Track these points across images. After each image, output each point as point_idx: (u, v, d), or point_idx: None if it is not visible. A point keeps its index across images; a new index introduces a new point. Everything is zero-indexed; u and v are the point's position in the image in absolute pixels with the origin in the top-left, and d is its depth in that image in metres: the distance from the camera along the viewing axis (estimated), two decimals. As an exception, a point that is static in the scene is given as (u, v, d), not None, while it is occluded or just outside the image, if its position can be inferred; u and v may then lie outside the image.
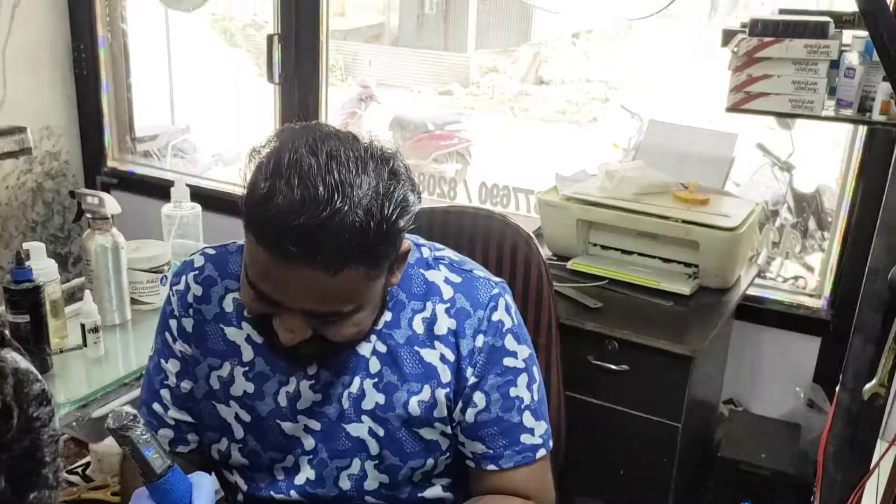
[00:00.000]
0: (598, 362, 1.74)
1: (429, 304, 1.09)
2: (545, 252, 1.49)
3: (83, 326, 1.45)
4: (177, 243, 1.75)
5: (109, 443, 1.53)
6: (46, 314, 1.39)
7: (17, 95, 2.90)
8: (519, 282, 1.44)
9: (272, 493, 1.13)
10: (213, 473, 1.21)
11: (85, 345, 1.46)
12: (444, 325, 1.08)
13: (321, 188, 0.85)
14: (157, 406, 1.17)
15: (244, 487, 1.16)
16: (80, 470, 1.72)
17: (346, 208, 0.86)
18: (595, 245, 2.00)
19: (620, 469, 1.80)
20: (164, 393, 1.17)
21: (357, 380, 1.09)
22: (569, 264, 1.96)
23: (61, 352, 1.47)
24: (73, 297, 1.70)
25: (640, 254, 1.96)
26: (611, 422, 1.77)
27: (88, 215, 1.57)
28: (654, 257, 1.94)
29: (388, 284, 1.02)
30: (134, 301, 1.65)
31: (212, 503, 0.91)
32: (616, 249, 1.98)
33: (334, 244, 0.86)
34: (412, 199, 0.94)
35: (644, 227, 1.89)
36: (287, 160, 0.87)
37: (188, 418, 1.17)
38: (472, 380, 1.08)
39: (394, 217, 0.90)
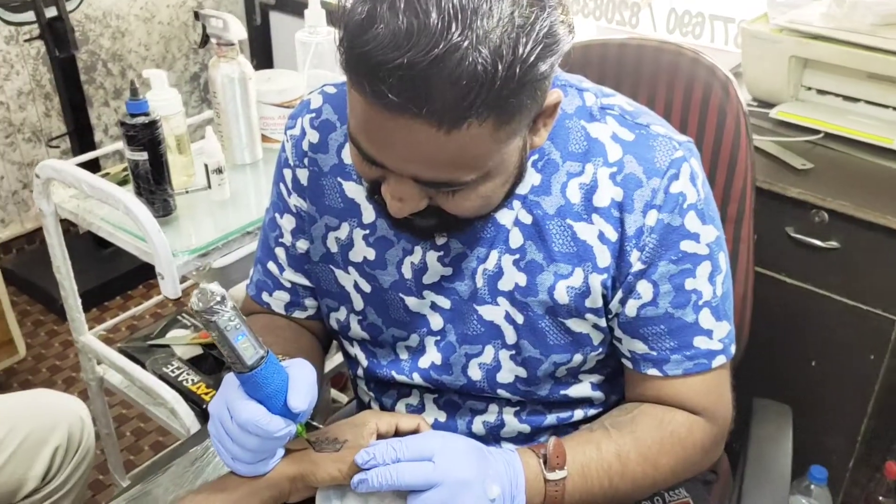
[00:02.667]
0: (800, 236, 1.47)
1: (589, 168, 0.88)
2: (744, 96, 1.20)
3: (206, 167, 1.36)
4: (312, 74, 1.60)
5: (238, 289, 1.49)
6: (167, 151, 1.31)
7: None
8: (708, 137, 1.18)
9: (394, 372, 1.02)
10: (326, 354, 1.11)
11: (209, 186, 1.38)
12: (607, 194, 0.87)
13: (434, 16, 0.64)
14: (272, 266, 1.07)
15: (364, 363, 1.05)
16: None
17: (465, 44, 0.64)
18: (809, 89, 1.65)
19: (812, 361, 1.56)
20: (280, 252, 1.06)
21: (494, 254, 0.92)
22: (773, 112, 1.63)
23: (187, 192, 1.40)
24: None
25: (868, 102, 1.59)
26: (807, 307, 1.51)
27: (213, 40, 1.45)
28: (886, 107, 1.57)
29: (530, 147, 0.82)
30: (264, 139, 1.54)
31: (310, 399, 0.80)
32: (837, 95, 1.63)
33: (449, 93, 0.66)
34: (561, 33, 0.70)
35: (880, 69, 1.52)
36: None
37: (305, 281, 1.06)
38: (637, 266, 0.88)
39: (532, 58, 0.67)
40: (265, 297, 1.09)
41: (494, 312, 0.94)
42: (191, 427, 1.36)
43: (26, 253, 2.89)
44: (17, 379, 2.48)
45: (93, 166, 1.84)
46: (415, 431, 0.90)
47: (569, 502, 0.87)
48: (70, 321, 1.52)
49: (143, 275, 2.77)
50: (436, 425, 1.02)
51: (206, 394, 1.41)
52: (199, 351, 1.54)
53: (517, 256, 0.91)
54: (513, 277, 0.92)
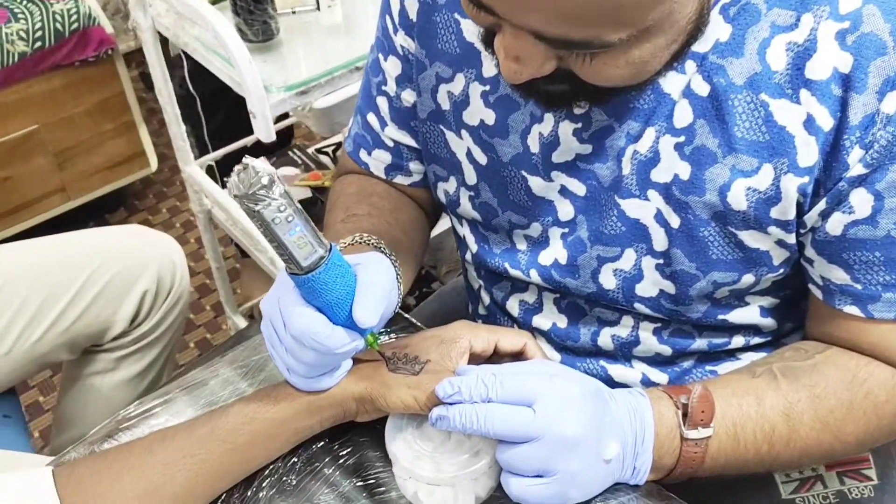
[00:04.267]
0: None
1: (806, 20, 0.62)
2: None
3: (313, -17, 1.16)
4: None
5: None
6: (269, -39, 1.11)
7: None
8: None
9: (507, 265, 0.83)
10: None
11: (318, 7, 1.18)
12: (829, 62, 0.61)
13: None
14: (372, 118, 0.88)
15: (473, 247, 0.87)
16: (330, 150, 1.56)
17: None
18: None
19: None
20: (382, 102, 0.86)
21: (650, 133, 0.69)
22: None
23: (293, 13, 1.21)
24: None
25: None
26: None
27: None
28: None
29: None
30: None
31: (383, 311, 0.63)
32: None
33: None
34: None
35: None
36: None
37: (411, 141, 0.87)
38: (856, 169, 0.63)
39: None
40: (363, 155, 0.91)
41: (642, 209, 0.72)
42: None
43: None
44: (152, 190, 2.50)
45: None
46: (519, 355, 0.72)
47: (710, 467, 0.69)
48: (175, 149, 1.42)
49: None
50: (554, 331, 0.84)
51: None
52: (307, 194, 1.41)
53: (681, 139, 0.68)
54: (672, 167, 0.69)
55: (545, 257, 0.80)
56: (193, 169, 1.42)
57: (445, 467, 0.64)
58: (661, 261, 0.73)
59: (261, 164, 0.56)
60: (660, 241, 0.73)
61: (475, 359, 0.71)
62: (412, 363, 0.68)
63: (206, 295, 2.14)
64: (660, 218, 0.71)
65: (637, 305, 0.77)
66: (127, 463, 0.64)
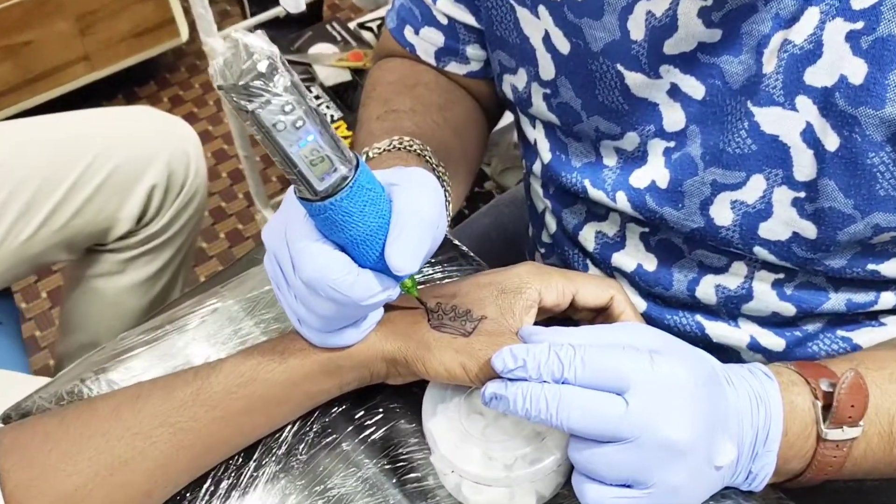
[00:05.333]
0: None
1: None
2: None
3: None
4: None
5: None
6: None
7: None
8: None
9: (587, 182, 0.65)
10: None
11: None
12: None
13: None
14: (421, -13, 0.69)
15: (545, 157, 0.69)
16: (375, 25, 1.36)
17: None
18: None
19: None
20: (434, -34, 0.67)
21: (812, 14, 0.50)
22: None
23: None
24: None
25: None
26: None
27: None
28: None
29: None
30: None
31: (426, 250, 0.46)
32: None
33: None
34: None
35: None
36: None
37: (470, 20, 0.68)
38: None
39: None
40: (409, 34, 0.72)
41: (785, 122, 0.53)
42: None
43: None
44: (184, 63, 2.33)
45: None
46: (604, 313, 0.56)
47: (849, 472, 0.52)
48: (196, 17, 1.23)
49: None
50: (640, 273, 0.67)
51: (346, 137, 1.11)
52: (346, 77, 1.22)
53: (858, 26, 0.48)
54: (839, 64, 0.50)
55: (639, 178, 0.62)
56: (216, 41, 1.24)
57: (498, 462, 0.49)
58: (803, 194, 0.55)
59: (258, 42, 0.39)
60: (805, 167, 0.54)
61: (541, 321, 0.55)
62: (462, 319, 0.52)
63: (240, 182, 2.00)
64: (809, 136, 0.53)
65: (757, 250, 0.60)
66: (87, 429, 0.50)
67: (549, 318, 0.57)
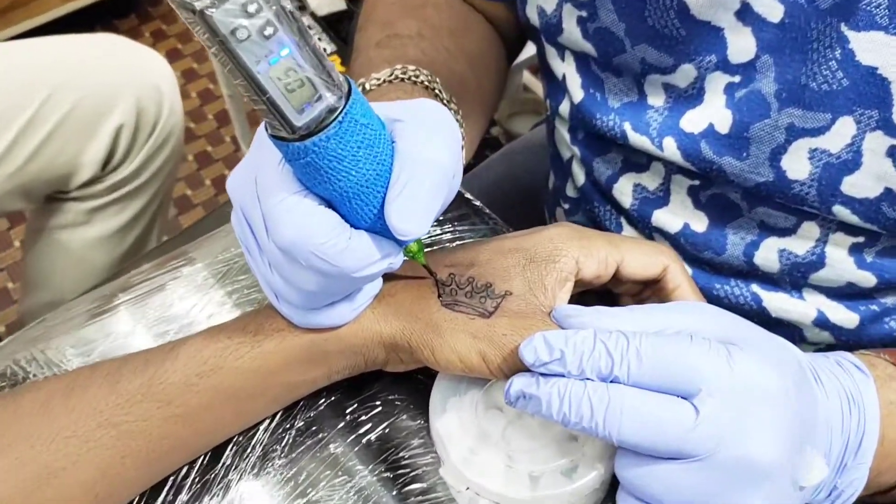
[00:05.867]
0: None
1: None
2: None
3: None
4: None
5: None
6: None
7: None
8: None
9: (627, 124, 0.55)
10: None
11: None
12: None
13: None
14: None
15: (576, 96, 0.58)
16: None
17: None
18: None
19: None
20: None
21: None
22: None
23: None
24: None
25: None
26: None
27: None
28: None
29: None
30: None
31: (437, 207, 0.36)
32: None
33: None
34: None
35: None
36: None
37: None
38: None
39: None
40: (413, -59, 0.60)
41: (889, 50, 0.43)
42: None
43: None
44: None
45: None
46: (652, 286, 0.46)
47: None
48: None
49: None
50: (686, 235, 0.57)
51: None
52: (341, 5, 1.10)
53: None
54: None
55: (693, 121, 0.52)
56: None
57: (524, 475, 0.40)
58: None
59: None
60: (914, 111, 0.43)
61: (577, 288, 0.45)
62: (481, 295, 0.41)
63: (227, 124, 1.88)
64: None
65: (837, 209, 0.49)
66: (8, 432, 0.40)
67: (583, 292, 0.47)
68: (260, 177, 0.36)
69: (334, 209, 0.36)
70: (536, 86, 1.63)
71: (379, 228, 0.37)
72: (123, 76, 0.89)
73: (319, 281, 0.37)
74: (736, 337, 0.38)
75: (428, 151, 0.35)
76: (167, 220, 1.06)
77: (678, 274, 0.45)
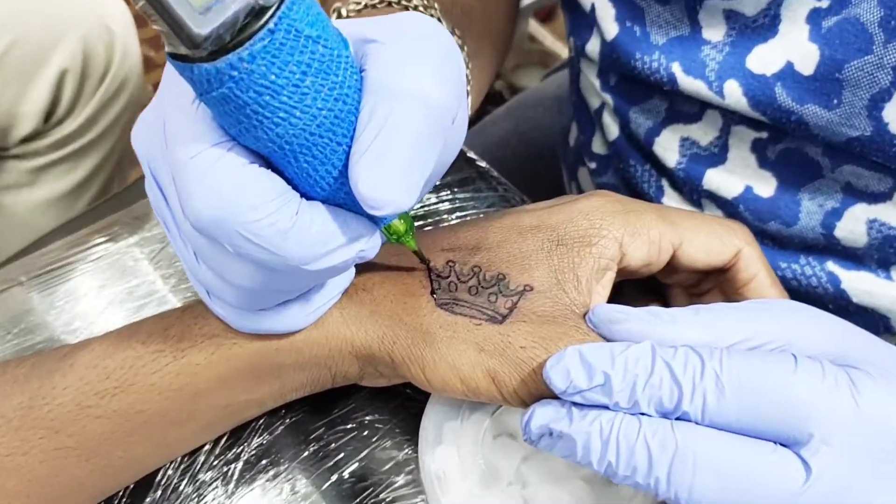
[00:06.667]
0: None
1: None
2: None
3: None
4: None
5: None
6: None
7: None
8: None
9: (677, 65, 0.44)
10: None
11: None
12: None
13: None
14: None
15: (609, 31, 0.47)
16: None
17: None
18: None
19: None
20: None
21: None
22: None
23: None
24: None
25: None
26: None
27: None
28: None
29: None
30: None
31: (430, 169, 0.25)
32: None
33: None
34: None
35: None
36: None
37: None
38: None
39: None
40: None
41: None
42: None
43: None
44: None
45: None
46: (716, 276, 0.35)
47: None
48: None
49: None
50: (748, 200, 0.46)
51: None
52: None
53: None
54: None
55: (765, 59, 0.40)
56: None
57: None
58: None
59: None
60: None
61: (622, 298, 0.34)
62: (490, 291, 0.31)
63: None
64: None
65: (953, 174, 0.38)
66: None
67: (620, 283, 0.36)
68: (169, 123, 0.25)
69: (274, 170, 0.25)
70: (544, 35, 1.51)
71: (343, 199, 0.26)
72: (66, 14, 0.77)
73: (255, 275, 0.26)
74: (854, 356, 0.27)
75: (414, 83, 0.24)
76: (126, 182, 0.95)
77: (754, 261, 0.34)
